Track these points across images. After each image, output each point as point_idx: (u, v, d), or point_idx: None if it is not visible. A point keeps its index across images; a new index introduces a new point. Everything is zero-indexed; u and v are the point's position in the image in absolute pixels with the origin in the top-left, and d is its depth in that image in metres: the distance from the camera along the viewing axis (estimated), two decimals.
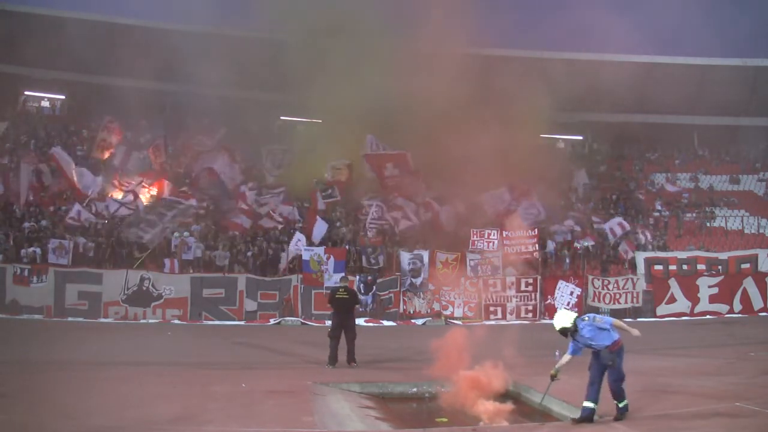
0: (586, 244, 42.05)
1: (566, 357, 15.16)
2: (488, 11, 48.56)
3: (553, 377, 15.26)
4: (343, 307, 23.06)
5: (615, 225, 43.90)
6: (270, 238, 41.15)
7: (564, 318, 15.22)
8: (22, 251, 37.68)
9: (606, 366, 14.81)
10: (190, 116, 52.46)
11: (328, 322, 24.89)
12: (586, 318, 15.09)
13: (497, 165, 39.25)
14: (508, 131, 41.23)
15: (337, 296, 23.27)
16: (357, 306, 24.71)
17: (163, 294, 36.64)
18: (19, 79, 54.51)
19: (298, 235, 40.27)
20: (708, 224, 47.61)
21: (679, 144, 59.70)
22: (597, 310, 38.07)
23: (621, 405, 14.92)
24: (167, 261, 38.55)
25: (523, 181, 44.71)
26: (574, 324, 15.01)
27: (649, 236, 44.09)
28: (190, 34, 48.03)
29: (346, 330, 22.65)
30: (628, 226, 43.91)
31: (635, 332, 14.66)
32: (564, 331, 15.18)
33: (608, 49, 52.72)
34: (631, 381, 18.78)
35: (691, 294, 38.62)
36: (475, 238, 39.97)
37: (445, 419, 16.43)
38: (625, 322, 15.66)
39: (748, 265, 40.06)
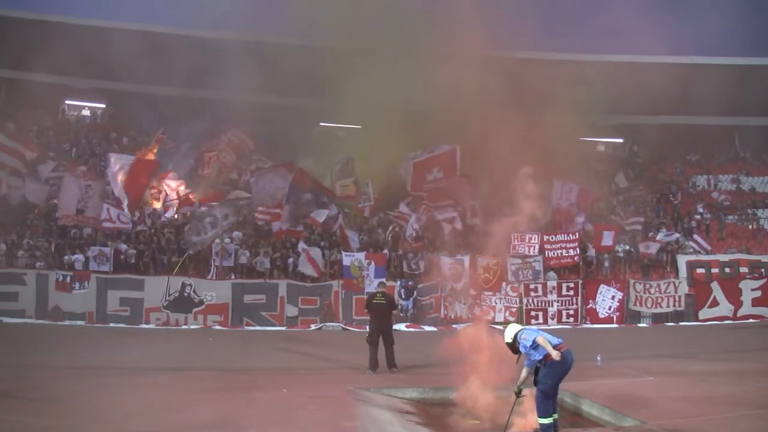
0: (625, 248, 41.79)
1: (524, 371, 14.77)
2: (526, 13, 48.43)
3: (518, 394, 14.96)
4: (380, 312, 23.09)
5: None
6: (311, 243, 41.10)
7: (507, 333, 14.99)
8: (65, 258, 37.94)
9: (556, 378, 14.54)
10: (230, 123, 52.64)
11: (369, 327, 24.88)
12: (519, 332, 14.86)
13: (536, 165, 39.26)
14: (548, 134, 41.24)
15: (374, 301, 23.31)
16: (394, 311, 24.72)
17: (205, 300, 36.73)
18: (59, 89, 54.87)
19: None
20: (750, 226, 47.19)
21: (720, 145, 59.29)
22: (639, 315, 38.05)
23: (541, 421, 14.41)
24: (213, 267, 38.86)
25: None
26: (515, 339, 14.84)
27: (697, 240, 43.67)
28: (228, 42, 48.24)
29: (384, 335, 22.66)
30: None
31: (554, 354, 14.11)
32: (510, 347, 15.03)
33: (647, 50, 52.41)
34: (674, 385, 18.67)
35: (734, 297, 38.06)
36: (515, 242, 39.89)
37: (477, 421, 16.38)
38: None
39: None
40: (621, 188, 51.33)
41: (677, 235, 43.69)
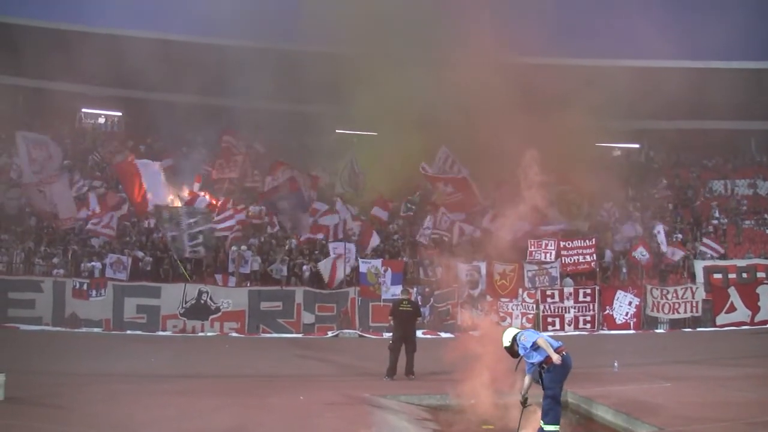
0: (642, 255, 41.60)
1: (526, 378, 14.65)
2: (541, 18, 48.38)
3: (524, 403, 14.78)
4: (406, 319, 23.04)
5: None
6: (326, 251, 41.07)
7: (505, 337, 14.93)
8: (82, 265, 38.04)
9: (561, 382, 14.41)
10: (245, 130, 52.70)
11: (386, 335, 24.98)
12: (518, 335, 14.76)
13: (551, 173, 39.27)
14: (564, 140, 41.17)
15: (400, 308, 23.25)
16: (419, 318, 24.68)
17: (221, 307, 36.72)
18: (76, 97, 55.07)
19: (348, 246, 40.34)
20: None
21: (736, 150, 59.09)
22: (656, 320, 37.93)
23: (545, 427, 14.24)
24: (219, 276, 38.86)
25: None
26: (513, 342, 14.75)
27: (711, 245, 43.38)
28: (244, 49, 48.39)
29: (407, 342, 22.63)
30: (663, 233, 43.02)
31: (555, 357, 14.01)
32: (508, 351, 14.93)
33: (663, 55, 52.33)
34: (691, 391, 18.59)
35: (751, 302, 37.89)
36: (532, 248, 39.85)
37: (491, 426, 16.36)
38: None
39: None
40: (638, 193, 51.20)
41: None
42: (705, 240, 43.29)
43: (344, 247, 39.85)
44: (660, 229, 42.62)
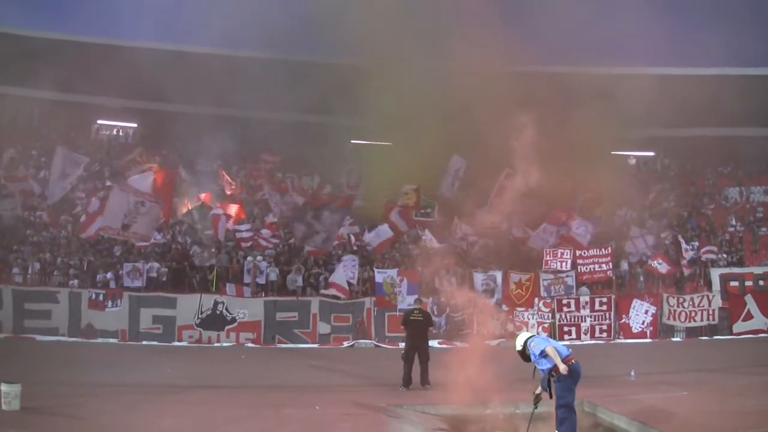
0: (659, 264, 41.41)
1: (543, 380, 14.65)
2: (555, 26, 48.23)
3: (536, 401, 14.76)
4: (418, 329, 23.11)
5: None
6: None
7: (518, 341, 14.96)
8: (98, 276, 38.08)
9: (572, 390, 14.33)
10: (261, 142, 52.73)
11: (402, 344, 24.89)
12: (529, 340, 14.72)
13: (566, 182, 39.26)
14: (578, 149, 41.11)
15: (411, 318, 23.34)
16: (431, 328, 24.67)
17: (237, 317, 36.66)
18: (91, 108, 55.20)
19: (350, 258, 40.31)
20: None
21: (752, 157, 58.72)
22: (672, 329, 37.76)
23: None
24: (231, 286, 38.74)
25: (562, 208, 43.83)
26: (524, 346, 14.70)
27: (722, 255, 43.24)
28: (259, 60, 48.42)
29: (420, 352, 22.67)
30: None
31: (561, 367, 13.98)
32: (521, 355, 14.89)
33: (678, 62, 52.17)
34: (708, 399, 18.53)
35: None
36: (548, 257, 39.74)
37: None
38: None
39: None
40: (651, 202, 50.92)
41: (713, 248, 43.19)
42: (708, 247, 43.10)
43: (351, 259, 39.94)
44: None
